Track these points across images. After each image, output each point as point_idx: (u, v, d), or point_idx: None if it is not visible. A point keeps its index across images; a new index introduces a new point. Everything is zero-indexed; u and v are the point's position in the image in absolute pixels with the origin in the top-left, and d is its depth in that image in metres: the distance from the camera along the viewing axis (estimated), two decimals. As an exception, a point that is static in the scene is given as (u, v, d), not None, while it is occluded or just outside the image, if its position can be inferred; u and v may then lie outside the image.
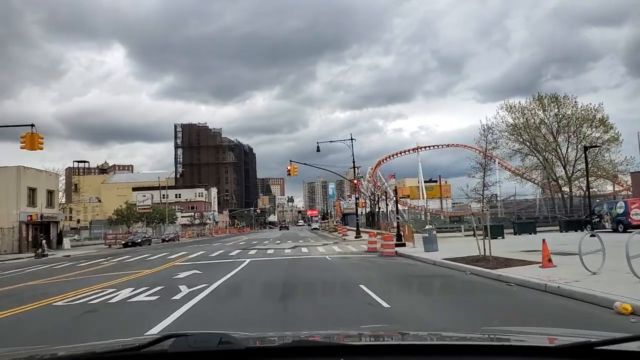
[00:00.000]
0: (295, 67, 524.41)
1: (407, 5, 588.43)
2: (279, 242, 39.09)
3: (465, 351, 1.73)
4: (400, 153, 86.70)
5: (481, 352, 1.68)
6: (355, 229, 39.81)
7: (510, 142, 60.05)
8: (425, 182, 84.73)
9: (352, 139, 40.56)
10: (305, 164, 40.45)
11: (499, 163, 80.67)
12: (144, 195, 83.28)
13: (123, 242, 47.67)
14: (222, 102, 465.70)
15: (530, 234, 30.21)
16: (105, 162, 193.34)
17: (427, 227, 19.95)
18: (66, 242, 46.48)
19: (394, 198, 24.29)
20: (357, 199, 39.49)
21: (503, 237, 26.84)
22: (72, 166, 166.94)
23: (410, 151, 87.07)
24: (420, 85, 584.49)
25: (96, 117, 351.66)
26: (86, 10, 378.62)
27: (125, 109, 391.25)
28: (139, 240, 47.80)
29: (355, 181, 39.20)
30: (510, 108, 57.24)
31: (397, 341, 2.06)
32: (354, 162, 39.80)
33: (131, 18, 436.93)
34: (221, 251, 27.62)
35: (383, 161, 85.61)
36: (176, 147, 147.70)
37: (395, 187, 25.62)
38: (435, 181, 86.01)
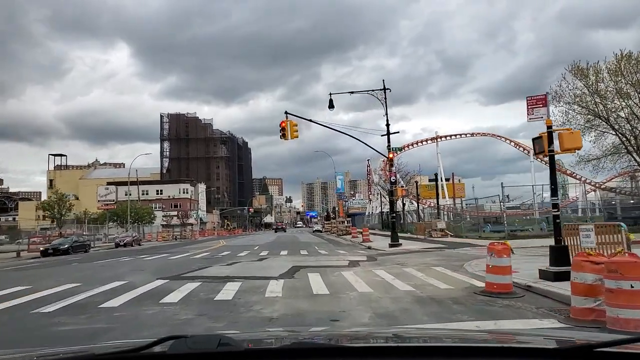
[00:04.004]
0: (299, 68, 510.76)
1: (414, 7, 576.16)
2: (265, 253, 23.82)
3: (466, 353, 1.68)
4: (417, 143, 77.03)
5: (482, 353, 1.66)
6: (387, 233, 25.22)
7: (580, 116, 44.80)
8: (430, 181, 75.39)
9: (385, 89, 25.60)
10: (310, 120, 25.26)
11: (534, 156, 67.55)
12: (107, 189, 67.72)
13: (42, 248, 32.78)
14: (225, 103, 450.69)
15: None
16: (96, 160, 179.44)
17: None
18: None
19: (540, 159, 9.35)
20: (392, 184, 24.50)
21: None
22: (49, 161, 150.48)
23: (429, 141, 78.44)
24: (424, 87, 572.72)
25: (98, 117, 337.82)
26: (91, 9, 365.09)
27: (127, 109, 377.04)
28: (66, 247, 32.92)
29: (391, 155, 24.17)
30: (582, 71, 42.28)
31: (398, 343, 2.01)
32: (387, 125, 24.65)
33: (136, 17, 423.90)
34: (115, 285, 11.74)
35: (399, 151, 73.60)
36: (162, 139, 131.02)
37: (550, 127, 10.12)
38: (448, 179, 76.72)
